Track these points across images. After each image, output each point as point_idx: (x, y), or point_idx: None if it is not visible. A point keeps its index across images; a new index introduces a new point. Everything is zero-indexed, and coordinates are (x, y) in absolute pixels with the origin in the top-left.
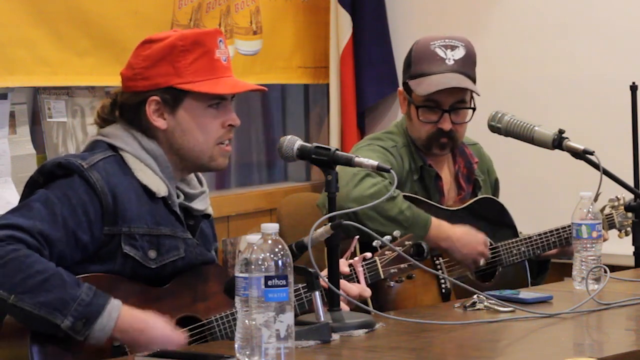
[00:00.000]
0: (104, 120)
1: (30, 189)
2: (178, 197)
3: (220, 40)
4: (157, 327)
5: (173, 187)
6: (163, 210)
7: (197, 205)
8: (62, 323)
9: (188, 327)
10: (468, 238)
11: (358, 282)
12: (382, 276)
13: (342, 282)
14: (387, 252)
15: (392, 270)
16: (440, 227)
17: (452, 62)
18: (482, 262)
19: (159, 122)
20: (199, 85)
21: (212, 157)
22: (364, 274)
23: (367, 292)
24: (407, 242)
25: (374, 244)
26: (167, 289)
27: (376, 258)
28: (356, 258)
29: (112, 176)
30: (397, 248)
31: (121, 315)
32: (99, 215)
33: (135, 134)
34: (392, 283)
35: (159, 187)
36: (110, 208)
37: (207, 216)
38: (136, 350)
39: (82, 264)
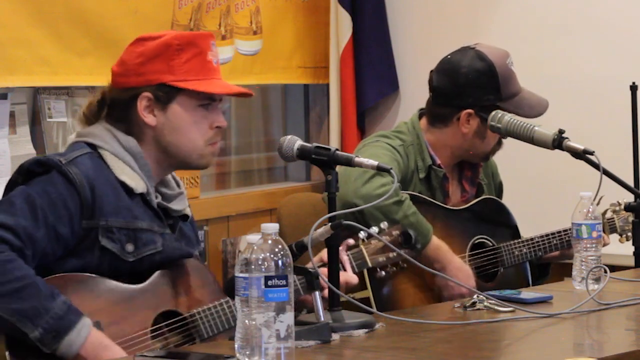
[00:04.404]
0: (88, 119)
1: (9, 190)
2: (156, 197)
3: (213, 43)
4: (119, 353)
5: (152, 186)
6: (141, 206)
7: (175, 205)
8: (32, 333)
9: (172, 320)
10: (459, 275)
11: (344, 269)
12: (370, 264)
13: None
14: (373, 241)
15: (381, 259)
16: (438, 249)
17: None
18: (455, 304)
19: (149, 119)
20: (192, 84)
21: (202, 155)
22: (350, 262)
23: (355, 279)
24: (394, 232)
25: (360, 235)
26: (147, 286)
27: (362, 247)
28: (340, 247)
29: (90, 170)
30: (384, 238)
31: (90, 335)
32: (78, 209)
33: (115, 132)
34: (382, 273)
35: (137, 183)
36: (88, 202)
37: (186, 217)
38: None
39: (61, 259)
